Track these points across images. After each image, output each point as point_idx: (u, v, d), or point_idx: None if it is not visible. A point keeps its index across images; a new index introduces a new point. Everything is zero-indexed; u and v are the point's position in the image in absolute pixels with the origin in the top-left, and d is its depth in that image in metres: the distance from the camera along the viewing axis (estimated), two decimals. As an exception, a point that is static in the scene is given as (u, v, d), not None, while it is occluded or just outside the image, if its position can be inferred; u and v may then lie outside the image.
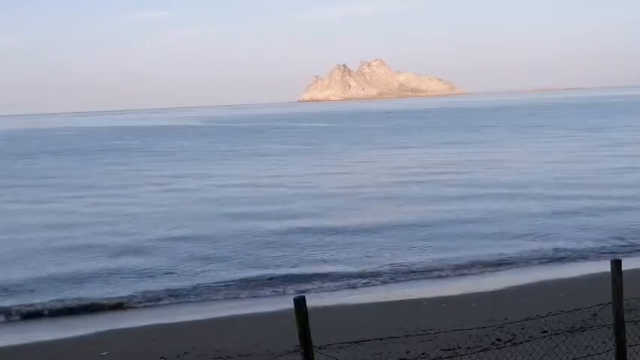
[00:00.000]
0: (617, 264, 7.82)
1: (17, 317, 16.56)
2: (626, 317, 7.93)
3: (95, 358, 13.05)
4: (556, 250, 20.86)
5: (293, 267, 20.13)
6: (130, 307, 17.03)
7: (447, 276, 18.73)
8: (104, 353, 13.26)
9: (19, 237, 26.50)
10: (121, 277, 19.65)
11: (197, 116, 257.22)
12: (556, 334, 11.07)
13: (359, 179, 41.31)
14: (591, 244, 21.39)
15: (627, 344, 7.96)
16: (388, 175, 42.60)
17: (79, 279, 19.64)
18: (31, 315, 16.63)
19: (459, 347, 11.30)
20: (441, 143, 67.72)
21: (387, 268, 19.59)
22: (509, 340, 11.47)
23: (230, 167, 52.44)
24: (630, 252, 20.12)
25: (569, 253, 20.55)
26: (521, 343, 10.70)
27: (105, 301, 17.34)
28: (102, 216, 30.76)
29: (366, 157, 56.07)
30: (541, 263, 19.64)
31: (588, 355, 9.66)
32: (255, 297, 17.46)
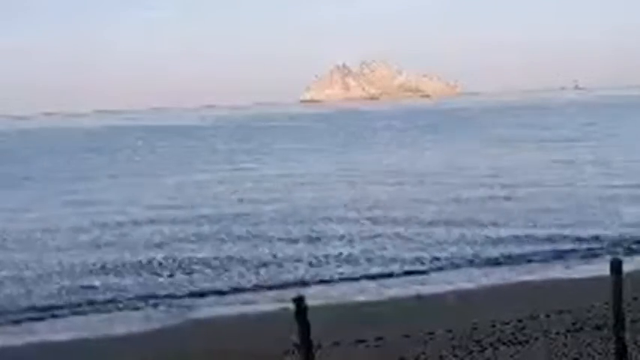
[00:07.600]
0: (617, 264, 7.82)
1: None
2: (626, 317, 7.92)
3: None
4: (556, 249, 20.85)
5: (293, 267, 20.12)
6: (129, 309, 17.00)
7: (447, 275, 18.72)
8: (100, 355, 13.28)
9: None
10: (118, 278, 19.66)
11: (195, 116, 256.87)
12: (556, 334, 11.06)
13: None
14: (590, 244, 21.36)
15: (627, 344, 7.96)
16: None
17: (77, 279, 19.66)
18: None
19: (460, 346, 11.29)
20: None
21: (387, 267, 19.59)
22: (510, 340, 11.46)
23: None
24: (630, 252, 20.08)
25: (569, 252, 20.52)
26: (521, 343, 10.69)
27: (103, 302, 17.35)
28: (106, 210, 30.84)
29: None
30: (541, 263, 19.62)
31: (588, 355, 9.66)
32: (255, 296, 17.44)
